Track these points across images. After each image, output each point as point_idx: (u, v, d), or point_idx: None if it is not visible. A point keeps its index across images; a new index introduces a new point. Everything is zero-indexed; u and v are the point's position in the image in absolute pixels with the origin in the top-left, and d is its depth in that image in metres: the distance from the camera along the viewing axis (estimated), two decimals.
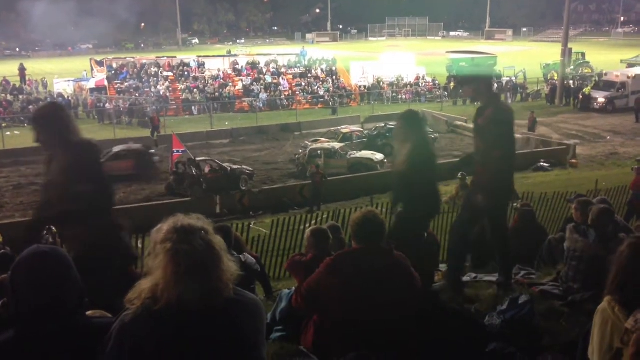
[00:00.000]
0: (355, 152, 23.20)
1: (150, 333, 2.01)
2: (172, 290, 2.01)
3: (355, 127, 27.60)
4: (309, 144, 24.17)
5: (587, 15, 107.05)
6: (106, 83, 38.72)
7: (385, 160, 21.97)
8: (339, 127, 27.64)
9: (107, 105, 35.36)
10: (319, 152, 22.33)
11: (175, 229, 2.08)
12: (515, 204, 8.59)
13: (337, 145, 23.50)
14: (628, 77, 33.59)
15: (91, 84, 39.27)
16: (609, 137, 27.14)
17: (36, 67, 51.45)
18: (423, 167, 5.16)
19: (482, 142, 5.13)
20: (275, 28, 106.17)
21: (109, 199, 4.28)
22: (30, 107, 34.86)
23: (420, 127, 5.47)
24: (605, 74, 35.84)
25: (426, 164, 5.22)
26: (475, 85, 5.31)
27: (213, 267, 2.07)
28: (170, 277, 2.02)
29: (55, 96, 36.97)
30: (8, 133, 29.18)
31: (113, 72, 40.21)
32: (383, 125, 27.60)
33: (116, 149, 22.31)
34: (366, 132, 26.72)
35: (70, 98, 37.05)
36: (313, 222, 12.14)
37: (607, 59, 49.84)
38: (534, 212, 8.33)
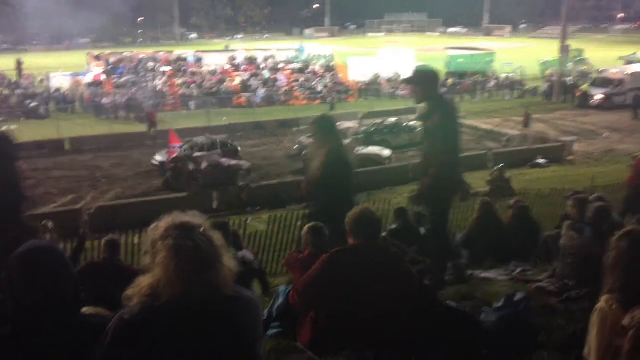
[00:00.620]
0: (361, 147, 23.11)
1: (149, 330, 2.01)
2: (174, 287, 2.01)
3: (349, 124, 27.48)
4: (304, 140, 24.08)
5: (585, 12, 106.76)
6: (103, 78, 38.64)
7: (392, 157, 22.18)
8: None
9: (104, 100, 35.28)
10: None
11: (175, 225, 2.08)
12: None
13: (345, 141, 23.26)
14: (626, 74, 33.61)
15: (88, 79, 39.17)
16: (606, 134, 27.16)
17: (33, 61, 51.18)
18: (339, 175, 4.98)
19: (430, 145, 5.10)
20: (274, 23, 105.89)
21: (14, 200, 3.96)
22: (27, 101, 34.87)
23: (334, 133, 5.25)
24: (603, 71, 35.84)
25: (342, 172, 5.03)
26: (421, 86, 5.16)
27: (213, 263, 2.07)
28: (173, 274, 2.01)
29: (52, 91, 36.89)
30: (4, 127, 29.05)
31: (110, 66, 40.12)
32: (380, 121, 27.60)
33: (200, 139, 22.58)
34: (363, 128, 26.66)
35: (66, 93, 36.95)
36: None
37: (605, 55, 49.82)
38: (529, 209, 8.35)
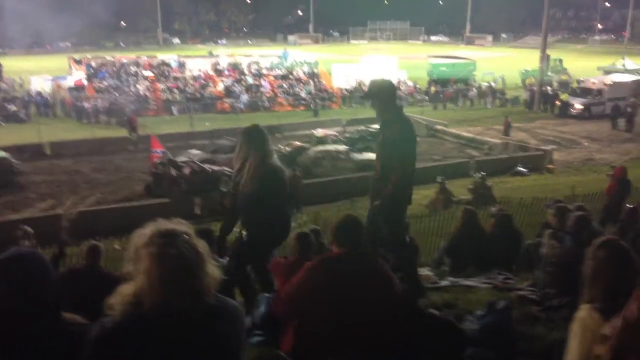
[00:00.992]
0: (357, 154, 23.12)
1: (131, 338, 1.99)
2: (156, 295, 1.99)
3: (329, 131, 27.46)
4: (282, 147, 24.11)
5: (565, 22, 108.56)
6: (85, 82, 38.30)
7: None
8: (312, 131, 27.54)
9: (86, 104, 34.95)
10: (323, 154, 22.36)
11: (160, 233, 2.06)
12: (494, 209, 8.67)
13: (341, 147, 23.59)
14: (605, 84, 34.11)
15: (70, 83, 38.79)
16: (585, 143, 27.54)
17: (13, 64, 50.62)
18: (270, 187, 4.80)
19: (385, 159, 5.08)
20: (257, 29, 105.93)
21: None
22: (6, 104, 34.42)
23: (264, 143, 4.97)
24: (582, 81, 36.38)
25: (270, 185, 4.82)
26: (378, 101, 5.12)
27: (197, 272, 2.05)
28: (155, 282, 1.99)
29: (33, 94, 36.48)
30: None
31: (92, 71, 39.79)
32: (364, 128, 27.67)
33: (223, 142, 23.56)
34: (347, 135, 26.67)
35: (48, 96, 36.56)
36: (293, 224, 12.12)
37: (584, 65, 50.61)
38: (511, 217, 8.42)
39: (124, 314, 2.01)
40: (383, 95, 5.08)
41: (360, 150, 24.61)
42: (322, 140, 25.35)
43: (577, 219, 5.17)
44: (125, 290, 2.05)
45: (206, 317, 2.06)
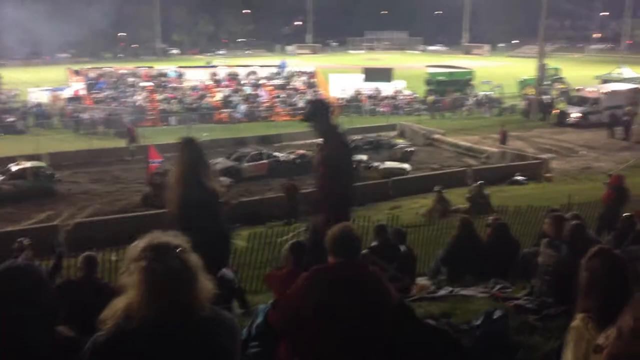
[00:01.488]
0: (379, 163, 23.87)
1: (123, 354, 1.99)
2: (146, 310, 1.99)
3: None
4: (286, 155, 24.44)
5: (562, 32, 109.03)
6: (83, 93, 38.35)
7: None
8: (313, 140, 27.65)
9: (84, 115, 34.98)
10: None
11: (151, 246, 2.06)
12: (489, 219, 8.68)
13: (363, 156, 24.16)
14: (602, 93, 34.25)
15: (68, 94, 38.85)
16: (582, 152, 27.61)
17: (12, 75, 50.71)
18: (196, 203, 4.48)
19: (322, 178, 5.06)
20: (255, 39, 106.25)
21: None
22: (5, 115, 34.44)
23: (196, 157, 4.67)
24: (580, 90, 36.50)
25: (200, 200, 4.48)
26: (314, 122, 5.09)
27: (188, 286, 2.04)
28: (144, 296, 2.00)
29: (30, 105, 36.52)
30: None
31: (90, 81, 39.85)
32: (360, 137, 27.82)
33: (247, 150, 24.64)
34: None
35: (45, 107, 36.59)
36: (290, 234, 12.12)
37: (581, 74, 50.79)
38: (507, 226, 8.43)
39: (116, 329, 2.01)
40: (319, 116, 5.06)
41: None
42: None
43: (573, 228, 5.18)
44: (118, 304, 2.05)
45: (199, 331, 2.06)
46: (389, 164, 23.75)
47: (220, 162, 22.83)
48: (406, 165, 24.06)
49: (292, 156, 24.60)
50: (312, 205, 5.24)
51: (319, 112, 5.11)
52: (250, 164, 23.31)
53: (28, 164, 21.58)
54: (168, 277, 2.01)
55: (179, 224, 4.26)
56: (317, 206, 5.02)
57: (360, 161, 23.16)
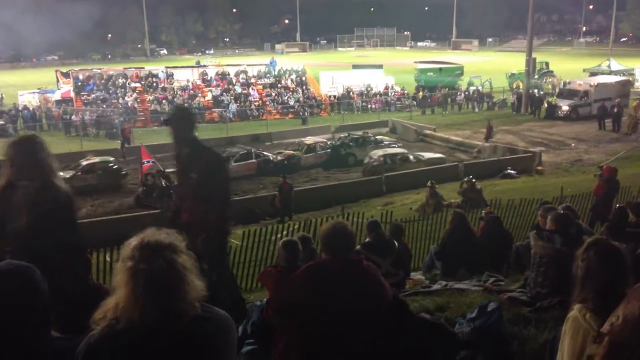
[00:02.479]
0: (421, 154, 24.56)
1: (114, 354, 1.98)
2: (131, 310, 1.98)
3: (318, 138, 27.73)
4: (274, 156, 24.50)
5: (549, 26, 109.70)
6: (72, 95, 38.15)
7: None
8: (302, 139, 27.83)
9: (73, 117, 34.78)
10: (391, 158, 23.52)
11: (140, 246, 2.05)
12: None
13: (402, 150, 24.92)
14: (591, 86, 34.42)
15: (57, 96, 38.64)
16: (573, 145, 27.74)
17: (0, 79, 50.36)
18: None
19: (202, 198, 4.64)
20: (245, 38, 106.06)
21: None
22: None
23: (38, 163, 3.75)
24: (569, 83, 36.67)
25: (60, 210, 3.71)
26: (174, 130, 4.75)
27: (174, 287, 2.03)
28: (130, 296, 1.99)
29: (19, 108, 36.28)
30: None
31: (79, 83, 39.63)
32: (346, 135, 27.88)
33: (234, 150, 24.44)
34: (330, 142, 26.87)
35: (35, 110, 36.37)
36: (284, 232, 12.10)
37: (570, 68, 51.05)
38: (499, 219, 8.46)
39: (107, 329, 2.00)
40: (184, 124, 4.79)
41: (346, 156, 25.01)
42: (311, 148, 25.59)
43: (559, 217, 5.22)
44: (109, 304, 2.04)
45: (191, 330, 2.05)
46: (430, 155, 24.62)
47: None
48: (443, 155, 24.92)
49: (279, 157, 24.65)
50: (186, 228, 4.76)
51: (185, 120, 4.83)
52: (239, 163, 23.29)
53: (97, 159, 22.66)
54: (152, 278, 1.99)
55: (25, 242, 3.50)
56: (194, 229, 4.44)
57: (396, 153, 23.99)
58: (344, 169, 25.02)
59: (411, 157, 23.88)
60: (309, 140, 27.03)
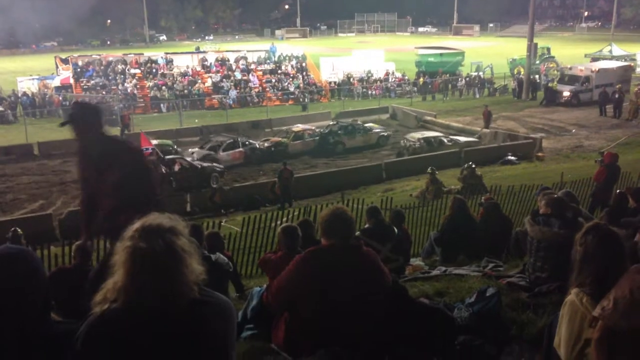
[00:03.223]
0: (457, 137, 25.04)
1: (113, 334, 1.99)
2: (128, 290, 1.99)
3: (306, 126, 27.56)
4: (260, 143, 24.62)
5: (551, 11, 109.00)
6: (72, 81, 38.03)
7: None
8: (290, 127, 27.76)
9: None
10: (426, 140, 24.08)
11: (141, 228, 2.06)
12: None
13: (437, 133, 25.55)
14: (592, 71, 34.26)
15: (56, 82, 38.51)
16: (574, 130, 27.68)
17: None
18: None
19: (110, 188, 4.18)
20: (244, 24, 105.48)
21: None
22: None
23: None
24: (570, 68, 36.51)
25: None
26: (80, 128, 4.33)
27: (173, 269, 2.03)
28: (127, 276, 2.00)
29: (19, 95, 36.19)
30: None
31: (79, 69, 39.49)
32: (334, 122, 27.75)
33: (220, 138, 24.42)
34: (318, 130, 26.63)
35: (34, 96, 36.27)
36: (284, 219, 12.13)
37: (571, 53, 50.81)
38: (498, 205, 8.48)
39: (108, 311, 2.01)
40: (90, 120, 4.37)
41: (335, 144, 25.07)
42: (299, 136, 25.56)
43: (554, 200, 5.23)
44: (108, 285, 2.05)
45: (189, 313, 2.05)
46: (465, 138, 25.00)
47: (196, 151, 22.76)
48: (477, 139, 25.39)
49: (266, 144, 24.54)
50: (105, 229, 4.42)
51: (89, 115, 4.40)
52: (227, 152, 23.18)
53: (155, 142, 22.16)
54: (150, 259, 2.00)
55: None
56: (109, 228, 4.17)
57: (435, 137, 24.46)
58: (374, 150, 25.51)
59: (445, 140, 24.19)
60: (297, 127, 26.92)
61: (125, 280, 2.00)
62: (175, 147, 23.61)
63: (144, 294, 1.99)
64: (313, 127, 27.19)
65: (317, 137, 25.69)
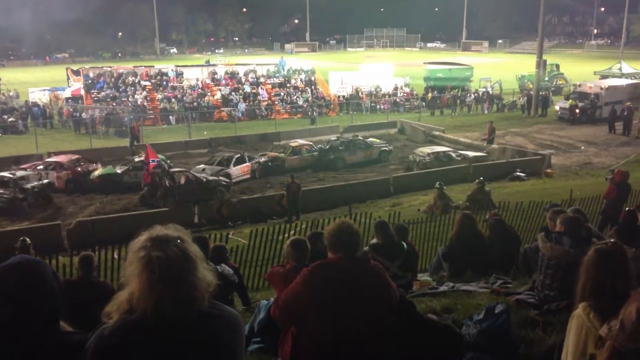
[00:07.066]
0: (466, 152, 25.11)
1: (127, 345, 1.98)
2: (147, 299, 1.99)
3: (304, 141, 27.39)
4: (258, 157, 24.54)
5: (560, 28, 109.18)
6: (83, 92, 38.35)
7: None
8: (287, 141, 27.72)
9: (84, 114, 34.97)
10: (436, 155, 24.13)
11: (151, 237, 2.07)
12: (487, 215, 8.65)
13: (446, 148, 25.56)
14: (601, 89, 34.18)
15: (67, 93, 38.87)
16: (583, 147, 27.58)
17: (11, 76, 50.70)
18: None
19: None
20: (254, 38, 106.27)
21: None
22: (5, 116, 34.44)
23: None
24: (579, 85, 36.46)
25: None
26: None
27: (188, 275, 2.04)
28: (145, 286, 2.00)
29: (30, 105, 36.52)
30: None
31: (90, 81, 39.84)
32: (336, 138, 27.64)
33: (226, 154, 24.30)
34: (318, 146, 26.52)
35: (45, 107, 36.59)
36: (292, 232, 12.12)
37: (580, 70, 50.77)
38: (504, 221, 8.42)
39: (121, 322, 2.00)
40: None
41: (335, 160, 25.03)
42: (296, 151, 25.52)
43: (570, 220, 5.18)
44: (121, 296, 2.05)
45: (200, 325, 2.05)
46: (473, 153, 25.10)
47: (207, 168, 22.56)
48: (486, 154, 25.56)
49: (263, 159, 24.51)
50: None
51: None
52: (238, 167, 23.03)
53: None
54: (167, 266, 2.00)
55: None
56: None
57: (444, 152, 24.51)
58: (381, 165, 25.50)
59: (454, 155, 24.25)
60: (295, 142, 26.84)
61: (143, 290, 2.00)
62: (169, 162, 23.39)
63: (163, 302, 1.99)
64: (311, 143, 27.06)
65: (316, 153, 25.59)
